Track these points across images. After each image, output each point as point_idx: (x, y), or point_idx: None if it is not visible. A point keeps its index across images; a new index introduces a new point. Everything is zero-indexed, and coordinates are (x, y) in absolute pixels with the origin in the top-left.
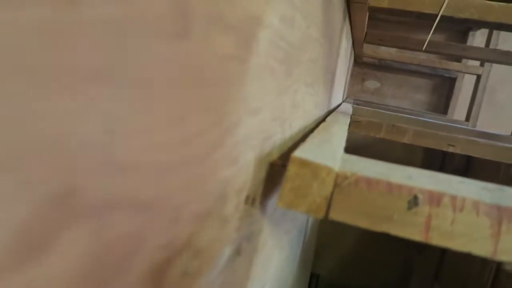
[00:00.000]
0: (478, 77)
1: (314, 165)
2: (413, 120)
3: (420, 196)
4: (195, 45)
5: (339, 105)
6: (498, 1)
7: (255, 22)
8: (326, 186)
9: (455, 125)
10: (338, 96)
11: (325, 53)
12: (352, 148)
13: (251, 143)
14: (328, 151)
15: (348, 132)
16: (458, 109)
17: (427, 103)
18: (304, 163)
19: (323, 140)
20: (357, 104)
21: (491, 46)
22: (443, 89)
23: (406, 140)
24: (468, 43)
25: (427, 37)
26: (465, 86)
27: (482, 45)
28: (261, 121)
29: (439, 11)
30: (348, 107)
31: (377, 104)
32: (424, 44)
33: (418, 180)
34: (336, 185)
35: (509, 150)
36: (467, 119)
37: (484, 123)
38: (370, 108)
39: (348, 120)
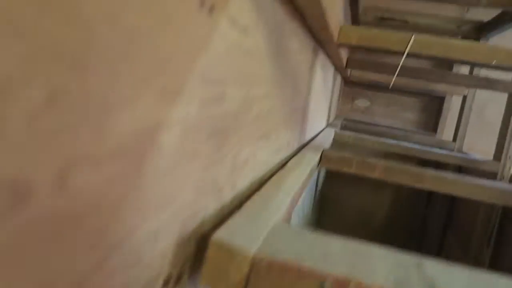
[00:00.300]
0: (464, 97)
1: (230, 249)
2: (395, 145)
3: (327, 283)
4: (45, 203)
5: (318, 134)
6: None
7: (154, 128)
8: (242, 269)
9: (435, 151)
10: (318, 124)
11: (285, 99)
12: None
13: (167, 230)
14: (258, 223)
15: (319, 168)
16: (448, 127)
17: (417, 122)
18: (221, 246)
19: (261, 204)
20: (345, 125)
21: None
22: (432, 108)
23: (376, 175)
24: (455, 65)
25: (410, 64)
26: (454, 105)
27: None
28: (180, 207)
29: (405, 49)
30: (329, 134)
31: (366, 123)
32: (392, 80)
33: (333, 261)
34: (251, 268)
35: (477, 187)
36: (454, 139)
37: (472, 142)
38: (352, 133)
39: (316, 158)
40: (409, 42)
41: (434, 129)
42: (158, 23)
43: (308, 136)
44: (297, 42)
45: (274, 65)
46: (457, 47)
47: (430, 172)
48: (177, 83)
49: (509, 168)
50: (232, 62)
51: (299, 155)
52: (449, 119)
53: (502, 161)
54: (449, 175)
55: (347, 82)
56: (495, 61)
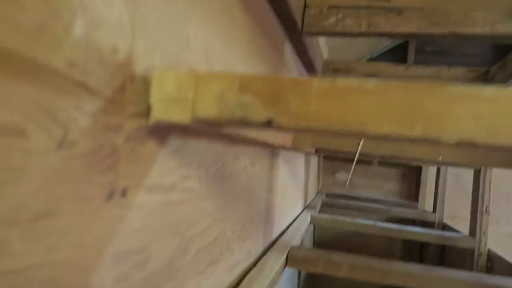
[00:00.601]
0: (438, 169)
1: None
2: (372, 226)
3: None
4: None
5: (292, 223)
6: None
7: None
8: None
9: (412, 230)
10: (291, 212)
11: (237, 216)
12: (331, 240)
13: None
14: None
15: (286, 269)
16: (428, 195)
17: (398, 192)
18: None
19: None
20: (326, 202)
21: None
22: (412, 178)
23: (341, 274)
24: None
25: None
26: (432, 174)
27: None
28: None
29: (357, 151)
30: (304, 220)
31: (348, 197)
32: (347, 181)
33: None
34: None
35: (447, 281)
36: (434, 210)
37: (453, 209)
38: (328, 216)
39: (282, 259)
40: (359, 145)
41: (416, 198)
42: (50, 244)
43: (276, 233)
44: (247, 159)
45: (217, 195)
46: (405, 147)
47: (397, 266)
48: (81, 279)
49: (485, 243)
50: (157, 222)
51: (262, 261)
52: (428, 187)
53: (477, 236)
54: (418, 268)
55: (327, 157)
56: (440, 157)
